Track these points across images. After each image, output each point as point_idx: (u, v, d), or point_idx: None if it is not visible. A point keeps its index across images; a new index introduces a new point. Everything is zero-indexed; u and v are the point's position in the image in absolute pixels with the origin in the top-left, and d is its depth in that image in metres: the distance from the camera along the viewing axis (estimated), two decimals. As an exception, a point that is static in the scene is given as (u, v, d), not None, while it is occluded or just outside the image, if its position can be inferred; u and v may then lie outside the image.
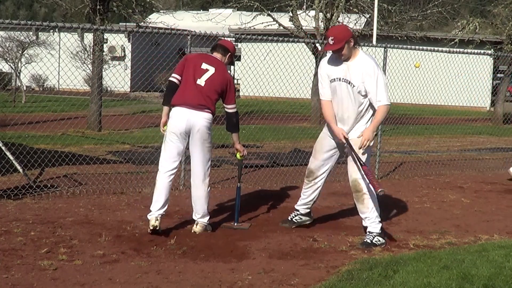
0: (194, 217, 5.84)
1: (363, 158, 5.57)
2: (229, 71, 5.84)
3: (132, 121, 15.47)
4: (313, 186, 6.01)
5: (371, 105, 5.57)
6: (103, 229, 5.73)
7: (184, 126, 5.57)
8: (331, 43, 5.45)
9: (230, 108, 5.80)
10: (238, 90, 34.13)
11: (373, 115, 5.61)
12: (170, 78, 5.75)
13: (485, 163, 11.56)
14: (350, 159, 5.67)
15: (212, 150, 5.76)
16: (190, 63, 5.72)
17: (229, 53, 5.90)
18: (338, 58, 5.54)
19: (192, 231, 5.75)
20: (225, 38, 7.65)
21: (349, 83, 5.46)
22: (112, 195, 7.30)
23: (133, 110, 20.87)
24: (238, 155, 6.23)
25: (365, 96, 5.49)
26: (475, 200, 7.91)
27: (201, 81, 5.62)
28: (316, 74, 16.26)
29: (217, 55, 5.84)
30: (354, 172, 5.62)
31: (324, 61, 5.68)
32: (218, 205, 7.03)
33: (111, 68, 23.01)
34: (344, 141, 5.56)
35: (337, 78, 5.51)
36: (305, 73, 18.08)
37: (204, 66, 5.67)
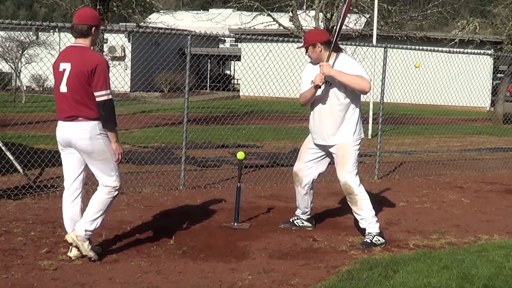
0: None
1: (351, 162, 5.58)
2: (105, 52, 5.02)
3: (132, 121, 15.47)
4: (301, 190, 5.98)
5: (355, 108, 5.58)
6: (103, 229, 5.72)
7: (61, 141, 4.81)
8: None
9: (97, 96, 4.63)
10: (238, 90, 34.19)
11: (360, 119, 5.64)
12: None
13: (485, 163, 11.56)
14: (336, 163, 5.67)
15: (111, 156, 4.79)
16: (53, 70, 4.80)
17: (92, 27, 4.74)
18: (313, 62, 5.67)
19: (65, 239, 4.84)
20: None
21: (326, 82, 5.48)
22: (112, 195, 7.29)
23: (133, 110, 20.86)
24: (238, 155, 6.21)
25: (346, 95, 5.51)
26: (475, 200, 7.91)
27: (63, 87, 4.68)
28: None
29: (79, 40, 4.75)
30: (342, 176, 5.61)
31: (306, 66, 5.79)
32: (218, 205, 7.03)
33: (111, 68, 23.00)
34: (323, 77, 5.39)
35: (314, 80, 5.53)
36: (305, 73, 18.04)
37: (62, 66, 4.70)
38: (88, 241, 4.77)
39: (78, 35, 4.73)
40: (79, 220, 4.81)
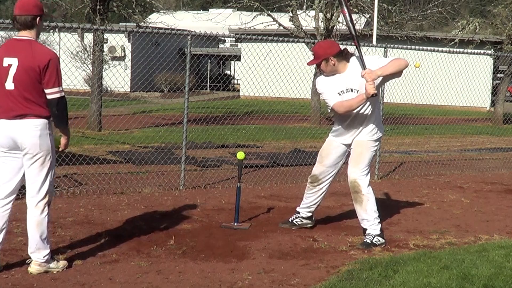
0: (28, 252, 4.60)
1: (365, 161, 5.60)
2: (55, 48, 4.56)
3: (132, 121, 15.46)
4: (318, 191, 5.97)
5: (378, 105, 5.67)
6: (103, 229, 5.73)
7: (6, 142, 4.37)
8: (312, 57, 5.64)
9: (49, 93, 4.35)
10: (238, 90, 34.20)
11: (380, 115, 5.70)
12: None
13: (485, 163, 11.56)
14: (351, 159, 5.68)
15: (52, 163, 4.47)
16: None
17: (36, 17, 4.40)
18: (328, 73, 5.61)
19: (29, 272, 4.52)
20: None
21: (352, 90, 5.48)
22: (112, 195, 7.30)
23: (133, 110, 20.87)
24: (238, 155, 6.20)
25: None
26: (475, 200, 7.91)
27: (9, 84, 4.30)
28: (316, 74, 16.27)
29: (23, 33, 4.42)
30: (353, 173, 5.62)
31: (321, 78, 5.66)
32: (218, 205, 7.03)
33: (111, 68, 23.02)
34: (373, 84, 5.30)
35: (341, 92, 5.53)
36: (305, 73, 18.07)
37: (6, 61, 4.32)
38: (51, 260, 4.57)
39: (22, 27, 4.39)
40: (31, 250, 4.49)
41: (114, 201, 7.03)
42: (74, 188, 7.53)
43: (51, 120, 4.44)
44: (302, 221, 6.13)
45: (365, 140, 5.61)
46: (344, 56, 5.53)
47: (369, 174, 5.68)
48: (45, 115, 4.37)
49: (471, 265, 4.80)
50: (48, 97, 4.34)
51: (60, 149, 4.64)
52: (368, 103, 5.52)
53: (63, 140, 4.59)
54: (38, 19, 4.39)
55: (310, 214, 6.14)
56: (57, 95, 4.35)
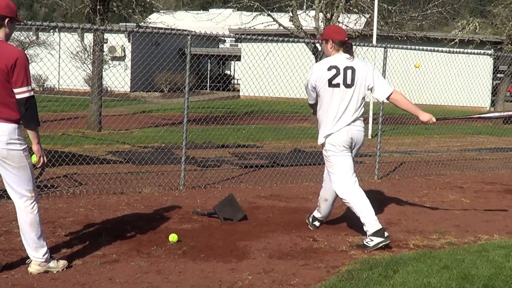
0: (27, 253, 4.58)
1: (328, 165, 5.69)
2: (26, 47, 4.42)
3: (132, 121, 15.47)
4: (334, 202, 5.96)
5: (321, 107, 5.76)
6: (103, 229, 5.73)
7: None
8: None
9: (18, 93, 4.21)
10: (238, 90, 34.20)
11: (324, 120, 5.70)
12: None
13: (485, 163, 11.56)
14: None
15: (28, 164, 4.38)
16: None
17: (5, 18, 4.28)
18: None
19: (29, 272, 4.51)
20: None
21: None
22: (112, 195, 7.30)
23: (133, 110, 20.88)
24: (170, 238, 5.44)
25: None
26: (475, 200, 7.91)
27: None
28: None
29: None
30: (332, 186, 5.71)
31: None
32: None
33: (111, 68, 23.04)
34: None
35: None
36: (305, 73, 18.06)
37: None
38: (51, 259, 4.56)
39: None
40: (30, 250, 4.49)
41: (114, 201, 7.03)
42: (74, 188, 7.53)
43: (21, 123, 4.30)
44: (309, 220, 6.16)
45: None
46: (344, 48, 5.60)
47: (342, 180, 5.57)
48: (14, 119, 4.24)
49: (471, 265, 4.80)
50: (17, 96, 4.22)
51: (37, 163, 4.44)
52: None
53: (35, 147, 4.38)
54: (7, 20, 4.28)
55: (322, 221, 6.15)
56: (26, 95, 4.23)
